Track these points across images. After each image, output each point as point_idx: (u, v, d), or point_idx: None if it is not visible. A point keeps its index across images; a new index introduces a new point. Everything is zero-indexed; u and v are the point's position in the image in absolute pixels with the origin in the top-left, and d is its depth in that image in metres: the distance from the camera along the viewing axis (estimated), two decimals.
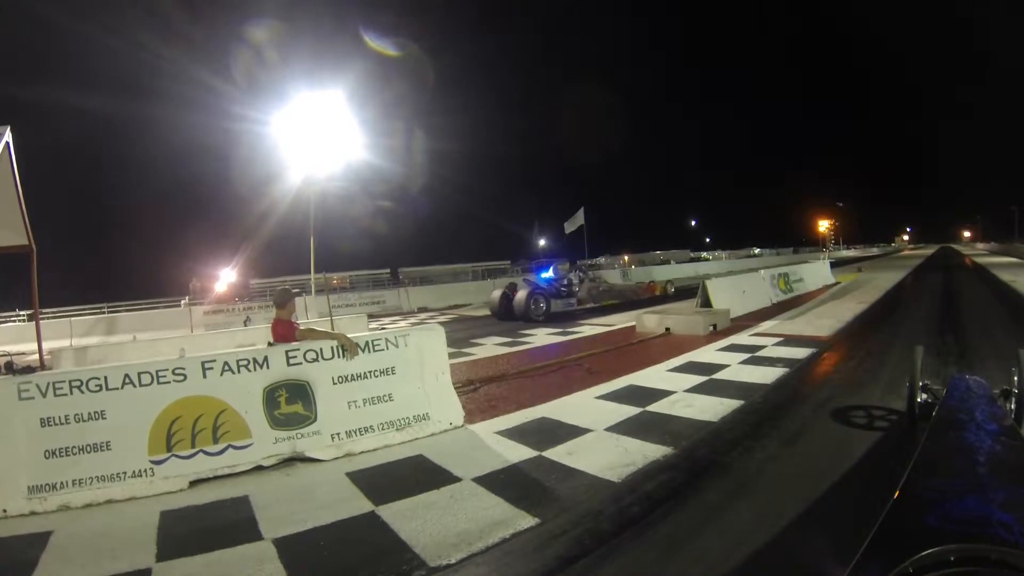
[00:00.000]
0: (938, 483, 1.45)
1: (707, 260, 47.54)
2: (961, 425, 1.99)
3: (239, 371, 3.90)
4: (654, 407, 4.81)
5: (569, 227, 30.14)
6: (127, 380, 3.60)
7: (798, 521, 2.65)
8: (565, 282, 14.23)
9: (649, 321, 9.57)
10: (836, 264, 25.85)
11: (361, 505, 3.16)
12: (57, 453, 3.41)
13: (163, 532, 2.95)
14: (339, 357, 4.27)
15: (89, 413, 3.49)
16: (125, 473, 3.48)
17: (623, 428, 4.28)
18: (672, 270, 33.98)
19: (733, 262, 43.76)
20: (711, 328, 8.87)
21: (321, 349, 4.21)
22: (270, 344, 4.39)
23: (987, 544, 1.02)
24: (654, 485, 3.23)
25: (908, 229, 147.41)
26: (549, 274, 14.55)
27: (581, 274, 15.06)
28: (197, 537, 2.85)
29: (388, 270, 35.60)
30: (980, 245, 69.44)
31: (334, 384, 4.20)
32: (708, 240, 78.84)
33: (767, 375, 5.76)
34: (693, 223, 78.58)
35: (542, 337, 9.89)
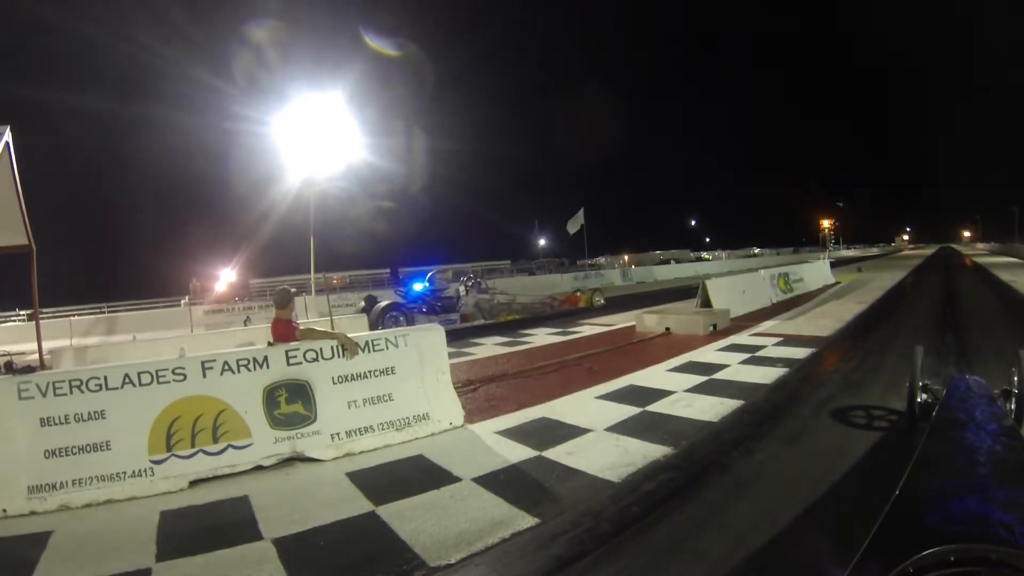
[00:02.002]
0: (938, 483, 1.45)
1: (707, 260, 47.55)
2: (961, 425, 1.99)
3: (239, 371, 3.90)
4: (654, 407, 4.80)
5: (571, 227, 30.25)
6: (127, 380, 3.60)
7: (798, 521, 2.65)
8: (445, 294, 12.43)
9: (649, 321, 9.58)
10: (836, 264, 25.87)
11: (361, 505, 3.15)
12: (57, 453, 3.41)
13: (163, 532, 2.95)
14: (339, 357, 4.26)
15: (89, 413, 3.49)
16: (125, 473, 3.48)
17: (623, 428, 4.28)
18: (672, 270, 34.00)
19: (733, 262, 43.77)
20: (711, 328, 8.87)
21: (321, 349, 4.21)
22: (270, 344, 4.39)
23: (987, 544, 1.02)
24: (654, 485, 3.23)
25: (908, 229, 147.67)
26: (423, 285, 12.54)
27: (469, 284, 13.23)
28: (197, 537, 2.85)
29: (388, 270, 35.63)
30: (980, 245, 69.45)
31: (334, 384, 4.20)
32: (708, 240, 78.95)
33: (767, 375, 5.76)
34: (693, 223, 78.67)
35: (542, 337, 9.90)
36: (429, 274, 12.98)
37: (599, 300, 15.19)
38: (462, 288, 12.86)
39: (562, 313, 13.65)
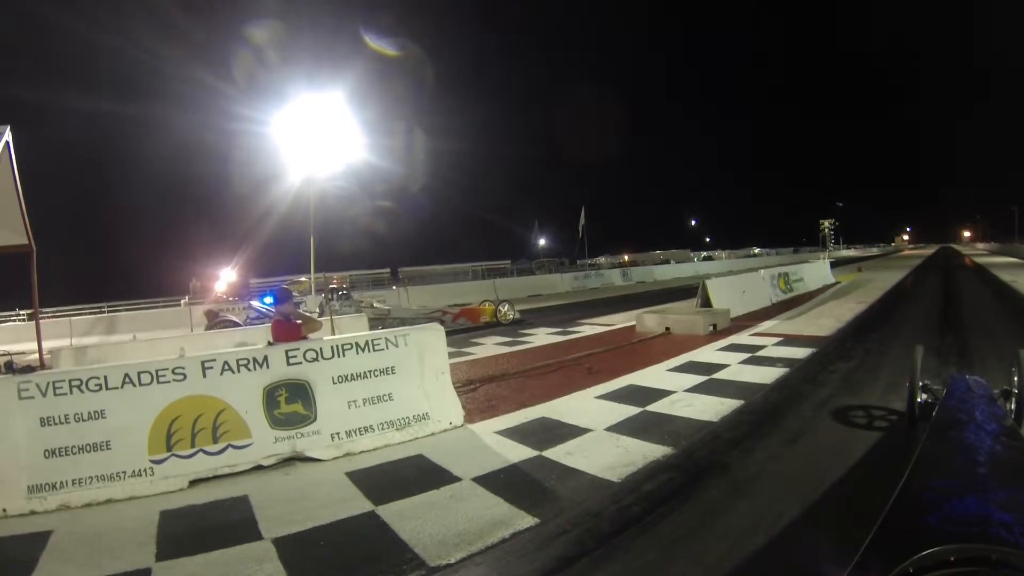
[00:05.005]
0: (938, 483, 1.45)
1: (713, 260, 47.53)
2: (961, 425, 1.99)
3: (239, 371, 3.90)
4: (654, 407, 4.80)
5: (580, 229, 30.40)
6: (127, 380, 3.60)
7: (798, 521, 2.65)
8: (301, 309, 10.64)
9: (649, 321, 9.57)
10: (836, 264, 25.85)
11: (361, 505, 3.16)
12: (57, 452, 3.41)
13: (163, 532, 2.95)
14: (339, 357, 4.26)
15: (89, 413, 3.49)
16: (125, 473, 3.48)
17: (623, 428, 4.27)
18: (672, 270, 33.98)
19: (733, 262, 43.73)
20: (711, 328, 8.87)
21: (321, 349, 4.21)
22: (270, 344, 4.40)
23: (987, 544, 1.02)
24: (654, 485, 3.23)
25: (908, 229, 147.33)
26: (267, 300, 11.12)
27: (331, 299, 11.72)
28: (197, 537, 2.85)
29: (388, 270, 35.58)
30: (980, 245, 69.44)
31: (334, 384, 4.20)
32: (708, 240, 78.80)
33: (767, 375, 5.75)
34: (693, 223, 78.59)
35: (542, 337, 9.90)
36: (278, 289, 11.53)
37: (510, 314, 12.49)
38: (322, 302, 11.15)
39: (458, 330, 11.26)
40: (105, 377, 3.56)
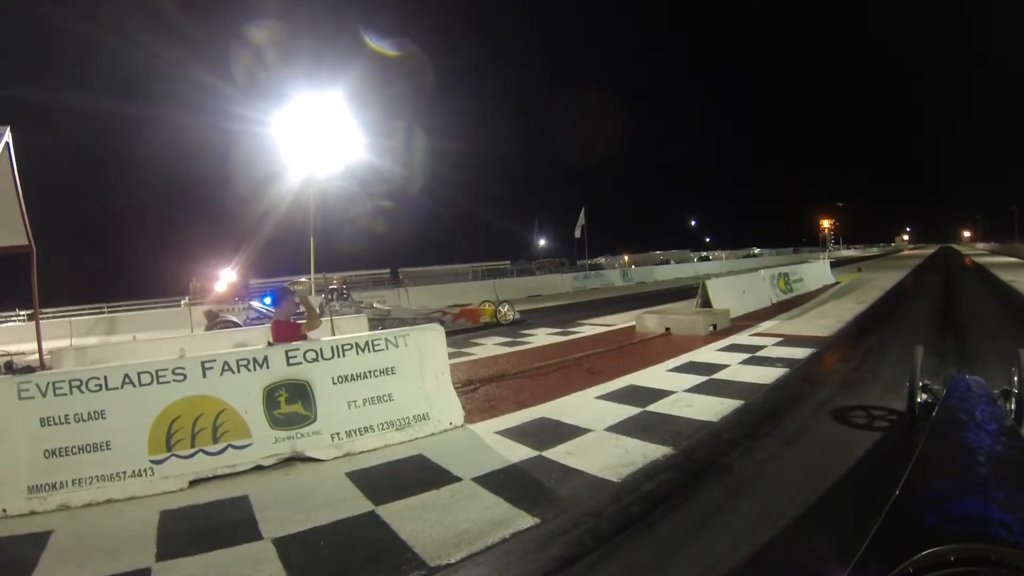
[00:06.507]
0: (938, 483, 1.45)
1: (713, 260, 47.56)
2: (961, 425, 1.99)
3: (239, 371, 3.90)
4: (654, 407, 4.80)
5: (576, 231, 30.38)
6: (127, 380, 3.60)
7: (798, 521, 2.65)
8: (299, 311, 10.59)
9: (649, 321, 9.57)
10: (836, 264, 25.84)
11: (361, 505, 3.16)
12: (57, 453, 3.41)
13: (163, 532, 2.95)
14: (339, 357, 4.26)
15: (89, 413, 3.49)
16: (125, 473, 3.48)
17: (623, 428, 4.27)
18: (672, 270, 33.98)
19: (733, 262, 43.74)
20: (711, 328, 8.87)
21: (321, 349, 4.21)
22: (270, 344, 4.40)
23: (987, 544, 1.02)
24: (654, 485, 3.23)
25: (908, 229, 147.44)
26: (266, 301, 11.09)
27: (330, 299, 11.66)
28: (197, 537, 2.85)
29: (388, 270, 35.57)
30: (980, 245, 69.44)
31: (334, 384, 4.20)
32: (708, 240, 78.82)
33: (767, 375, 5.75)
34: (693, 223, 78.60)
35: (542, 337, 9.90)
36: (276, 290, 10.49)
37: (510, 314, 12.44)
38: (322, 303, 10.93)
39: (458, 331, 11.12)
40: (105, 377, 3.56)
